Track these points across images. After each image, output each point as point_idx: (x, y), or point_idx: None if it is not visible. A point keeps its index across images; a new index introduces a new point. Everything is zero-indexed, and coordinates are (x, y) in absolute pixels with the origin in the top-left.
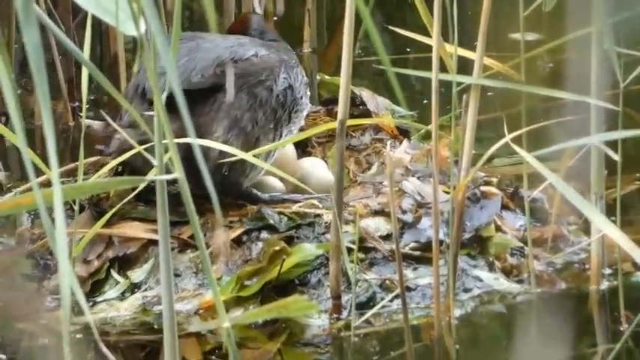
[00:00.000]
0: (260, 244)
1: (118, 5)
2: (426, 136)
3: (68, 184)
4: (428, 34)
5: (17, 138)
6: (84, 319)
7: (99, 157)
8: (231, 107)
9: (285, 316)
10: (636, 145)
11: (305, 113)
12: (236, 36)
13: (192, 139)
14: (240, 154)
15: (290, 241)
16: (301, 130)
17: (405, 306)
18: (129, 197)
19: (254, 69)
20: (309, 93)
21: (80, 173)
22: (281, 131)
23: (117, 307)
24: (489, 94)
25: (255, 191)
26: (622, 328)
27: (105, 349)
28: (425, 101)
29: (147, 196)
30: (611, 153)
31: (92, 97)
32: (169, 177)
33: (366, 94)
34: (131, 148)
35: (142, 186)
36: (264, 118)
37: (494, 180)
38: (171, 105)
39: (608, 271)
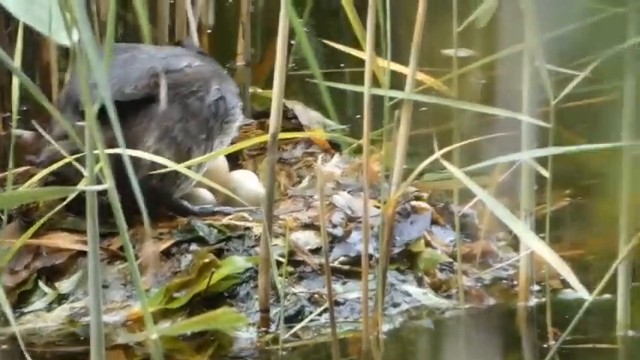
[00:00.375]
0: (189, 256)
1: (51, 14)
2: (358, 151)
3: None
4: (362, 48)
5: None
6: (10, 330)
7: (29, 167)
8: (163, 118)
9: (214, 329)
10: (566, 162)
11: (237, 124)
12: (171, 47)
13: (123, 150)
14: (172, 166)
15: (220, 253)
16: (233, 142)
17: (334, 320)
18: (58, 207)
19: (187, 79)
20: (241, 104)
21: (9, 183)
22: (213, 142)
23: (44, 318)
24: (422, 109)
25: (185, 203)
26: (549, 345)
27: None
28: (357, 115)
29: (77, 206)
30: (541, 170)
31: (25, 108)
32: (99, 188)
33: (298, 108)
34: (62, 158)
35: (72, 196)
36: (196, 129)
37: (425, 195)
38: (103, 115)
39: (536, 287)
